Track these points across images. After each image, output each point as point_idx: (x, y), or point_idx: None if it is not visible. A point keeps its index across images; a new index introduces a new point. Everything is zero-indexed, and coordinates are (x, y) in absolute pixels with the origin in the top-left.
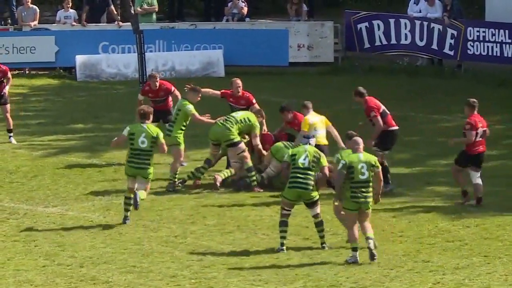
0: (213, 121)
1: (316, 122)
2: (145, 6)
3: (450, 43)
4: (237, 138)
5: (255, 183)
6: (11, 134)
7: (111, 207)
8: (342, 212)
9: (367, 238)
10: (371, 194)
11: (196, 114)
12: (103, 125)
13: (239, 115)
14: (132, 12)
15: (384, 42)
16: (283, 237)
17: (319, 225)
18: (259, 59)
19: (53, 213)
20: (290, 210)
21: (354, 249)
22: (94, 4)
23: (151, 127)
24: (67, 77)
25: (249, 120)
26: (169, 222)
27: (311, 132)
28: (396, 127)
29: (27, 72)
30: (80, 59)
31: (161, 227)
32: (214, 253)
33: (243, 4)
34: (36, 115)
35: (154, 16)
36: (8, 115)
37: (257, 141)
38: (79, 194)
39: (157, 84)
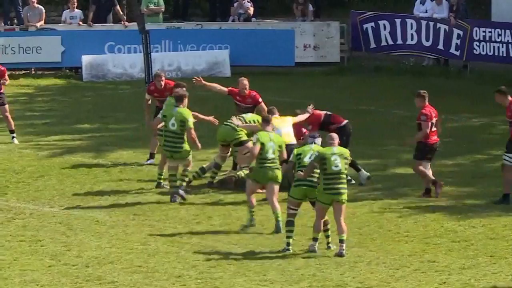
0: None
1: (278, 123)
2: (152, 7)
3: (456, 43)
4: (244, 137)
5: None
6: (14, 135)
7: (117, 207)
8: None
9: (340, 241)
10: (345, 186)
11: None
12: (109, 125)
13: (249, 116)
14: (138, 12)
15: (390, 42)
16: (289, 237)
17: (324, 224)
18: (265, 59)
19: (59, 213)
20: (296, 210)
21: (315, 239)
22: (100, 4)
23: (183, 111)
24: (73, 77)
25: (258, 122)
26: (175, 222)
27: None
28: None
29: (33, 72)
30: (86, 59)
31: (167, 227)
32: (220, 253)
33: (249, 4)
34: (42, 115)
35: (161, 16)
36: (8, 115)
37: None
38: (85, 194)
39: (163, 83)
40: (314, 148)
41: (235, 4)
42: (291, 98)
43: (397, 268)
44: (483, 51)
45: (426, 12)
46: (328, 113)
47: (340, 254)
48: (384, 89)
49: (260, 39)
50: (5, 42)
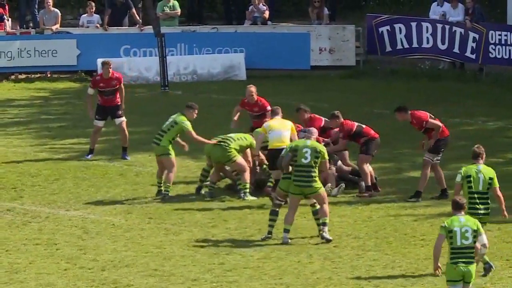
0: (211, 141)
1: (272, 125)
2: (167, 11)
3: (472, 47)
4: (237, 156)
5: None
6: None
7: (133, 211)
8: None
9: (323, 224)
10: (314, 179)
11: (193, 132)
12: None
13: (234, 135)
14: (154, 15)
15: (406, 45)
16: (271, 226)
17: (314, 214)
18: (281, 63)
19: (74, 217)
20: (282, 201)
21: (286, 231)
22: (116, 8)
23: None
24: (88, 80)
25: (246, 139)
26: (191, 225)
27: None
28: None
29: (48, 75)
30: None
31: (182, 230)
32: (235, 257)
33: (265, 7)
34: (58, 118)
35: (177, 20)
36: None
37: (257, 153)
38: (100, 197)
39: (110, 71)
40: (309, 144)
41: (250, 8)
42: (306, 101)
43: (413, 272)
44: (498, 54)
45: (443, 15)
46: (362, 125)
47: (322, 237)
48: (399, 92)
49: (276, 42)
50: (21, 46)
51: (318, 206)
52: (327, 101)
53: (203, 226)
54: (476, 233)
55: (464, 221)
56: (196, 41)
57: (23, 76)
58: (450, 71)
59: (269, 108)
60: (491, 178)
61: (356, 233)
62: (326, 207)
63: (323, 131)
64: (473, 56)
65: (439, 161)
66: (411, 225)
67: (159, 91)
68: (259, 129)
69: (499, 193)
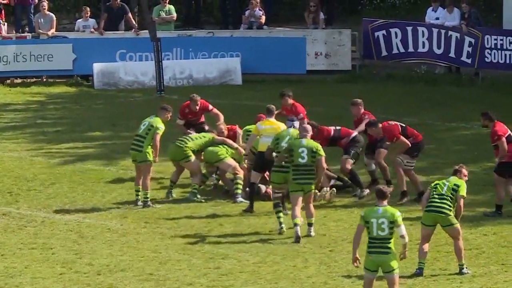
0: (156, 155)
1: (266, 129)
2: (163, 15)
3: (468, 51)
4: (192, 156)
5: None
6: None
7: (128, 215)
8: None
9: (308, 224)
10: (312, 177)
11: (159, 137)
12: (120, 133)
13: (194, 135)
14: (150, 20)
15: (402, 50)
16: (279, 217)
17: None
18: (277, 67)
19: (70, 221)
20: (280, 192)
21: (296, 225)
22: (112, 12)
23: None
24: (84, 85)
25: (205, 137)
26: (186, 230)
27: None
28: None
29: (44, 80)
30: (97, 67)
31: (178, 235)
32: (231, 261)
33: (261, 12)
34: (54, 122)
35: (172, 24)
36: None
37: (247, 152)
38: (96, 202)
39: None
40: (291, 132)
41: (246, 13)
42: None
43: (408, 276)
44: (494, 59)
45: (438, 19)
46: (338, 127)
47: (309, 235)
48: (395, 97)
49: (272, 47)
50: (17, 50)
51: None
52: (323, 106)
53: (198, 230)
54: (393, 225)
55: (381, 212)
56: (192, 46)
57: (19, 80)
58: (446, 75)
59: (210, 107)
60: (456, 185)
61: (352, 238)
62: (312, 207)
63: (334, 141)
64: (469, 61)
65: (413, 167)
66: (407, 230)
67: (155, 95)
68: (251, 127)
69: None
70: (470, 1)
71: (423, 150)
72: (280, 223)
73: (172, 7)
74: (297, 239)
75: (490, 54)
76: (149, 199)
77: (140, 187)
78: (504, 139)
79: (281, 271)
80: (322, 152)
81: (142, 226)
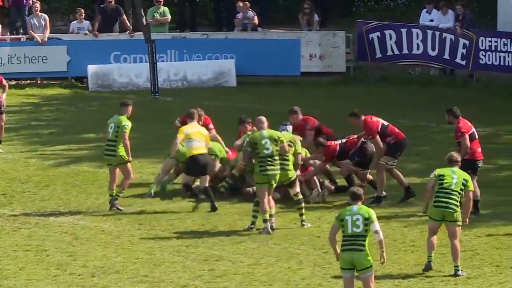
0: (129, 158)
1: (193, 132)
2: (158, 17)
3: (462, 53)
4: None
5: (222, 189)
6: None
7: (123, 217)
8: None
9: (270, 215)
10: (277, 167)
11: (127, 135)
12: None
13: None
14: (144, 22)
15: (396, 52)
16: (255, 216)
17: (297, 203)
18: (271, 69)
19: (64, 223)
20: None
21: (265, 221)
22: (106, 14)
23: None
24: (79, 86)
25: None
26: (181, 231)
27: (186, 142)
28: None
29: (38, 81)
30: (92, 68)
31: (172, 236)
32: (225, 263)
33: (253, 13)
34: (48, 124)
35: (167, 26)
36: (3, 124)
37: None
38: (90, 204)
39: None
40: (284, 135)
41: (238, 15)
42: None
43: (403, 277)
44: (489, 60)
45: (432, 21)
46: (385, 123)
47: (302, 225)
48: (390, 99)
49: (266, 48)
50: (11, 52)
51: (300, 196)
52: (317, 107)
53: (193, 232)
54: (367, 221)
55: (356, 210)
56: (187, 48)
57: (13, 82)
58: (440, 77)
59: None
60: (465, 180)
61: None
62: (272, 199)
63: (342, 155)
64: (463, 62)
65: (394, 166)
66: (401, 231)
67: (149, 97)
68: (182, 128)
69: (471, 196)
70: (464, 3)
71: (406, 150)
72: (253, 223)
73: (166, 9)
74: (270, 231)
75: (485, 56)
76: (117, 201)
77: (115, 186)
78: (467, 136)
79: (275, 273)
80: (283, 139)
81: (136, 228)
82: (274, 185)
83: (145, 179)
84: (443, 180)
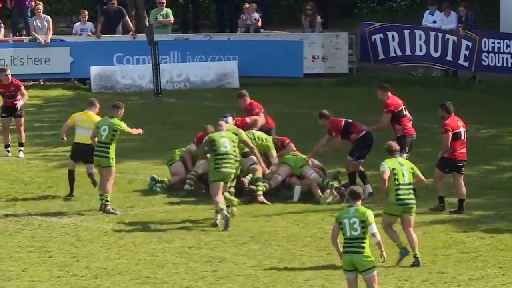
0: (140, 130)
1: (82, 120)
2: (161, 19)
3: (465, 54)
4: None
5: (260, 192)
6: (22, 148)
7: (126, 218)
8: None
9: (221, 210)
10: (233, 166)
11: (130, 130)
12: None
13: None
14: (147, 23)
15: (399, 53)
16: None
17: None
18: (274, 70)
19: (67, 224)
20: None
21: (217, 212)
22: (109, 16)
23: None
24: (81, 88)
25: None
26: (183, 233)
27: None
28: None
29: (41, 83)
30: (94, 70)
31: (175, 238)
32: (228, 264)
33: (258, 15)
34: (51, 126)
35: (170, 28)
36: (22, 128)
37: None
38: (93, 205)
39: (9, 78)
40: (224, 134)
41: (242, 16)
42: (299, 109)
43: (406, 279)
44: (491, 62)
45: (435, 23)
46: (349, 120)
47: (215, 224)
48: None
49: (269, 50)
50: (14, 53)
51: (233, 190)
52: (320, 109)
53: (196, 233)
54: (364, 224)
55: (352, 213)
56: (189, 49)
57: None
58: (443, 78)
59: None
60: (412, 168)
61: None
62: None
63: (344, 133)
64: (466, 64)
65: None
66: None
67: (152, 98)
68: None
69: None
70: (467, 4)
71: (372, 144)
72: (217, 214)
73: (169, 11)
74: (227, 220)
75: (487, 58)
76: (109, 203)
77: (101, 191)
78: (450, 134)
79: (278, 274)
80: (243, 136)
81: (139, 229)
82: (229, 183)
83: (148, 180)
84: (396, 174)
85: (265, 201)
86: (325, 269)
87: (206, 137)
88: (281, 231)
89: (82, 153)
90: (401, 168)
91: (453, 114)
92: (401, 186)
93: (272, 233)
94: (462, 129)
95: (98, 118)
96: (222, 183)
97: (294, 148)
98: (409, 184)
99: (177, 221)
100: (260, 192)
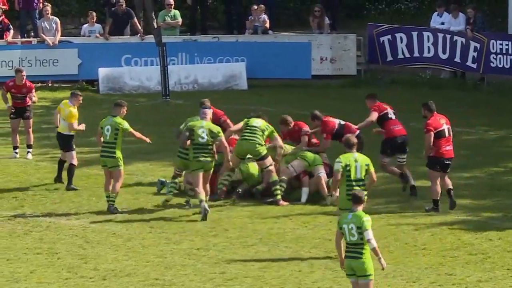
0: (147, 139)
1: (61, 108)
2: (169, 20)
3: (473, 56)
4: (265, 151)
5: (279, 197)
6: (30, 150)
7: (134, 220)
8: None
9: (201, 201)
10: (211, 155)
11: (133, 131)
12: (125, 138)
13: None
14: (155, 25)
15: (407, 55)
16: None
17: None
18: (282, 72)
19: (75, 226)
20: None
21: (201, 201)
22: (117, 17)
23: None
24: (90, 89)
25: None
26: (192, 234)
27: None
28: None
29: (49, 84)
30: (103, 72)
31: (183, 239)
32: (236, 266)
33: (266, 17)
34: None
35: (178, 29)
36: (30, 130)
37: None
38: (101, 206)
39: (23, 79)
40: (204, 125)
41: (250, 18)
42: (307, 110)
43: (414, 281)
44: (500, 63)
45: (443, 24)
46: (342, 123)
47: (204, 210)
48: (400, 102)
49: (277, 51)
50: (22, 55)
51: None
52: (328, 110)
53: (204, 235)
54: (360, 230)
55: (350, 218)
56: (197, 51)
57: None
58: (451, 80)
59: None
60: (367, 165)
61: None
62: (208, 187)
63: (337, 136)
64: (474, 66)
65: None
66: (412, 234)
67: (160, 100)
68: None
69: (375, 177)
70: (475, 6)
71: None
72: (187, 201)
73: (177, 12)
74: (205, 212)
75: (496, 59)
76: (114, 204)
77: (110, 191)
78: (432, 133)
79: (286, 276)
80: (221, 134)
81: (147, 231)
82: (209, 171)
83: (156, 182)
84: (350, 171)
85: (284, 203)
86: (333, 271)
87: (188, 124)
88: (290, 232)
89: (59, 141)
90: (355, 164)
91: (435, 112)
92: (353, 182)
93: (280, 234)
94: (445, 126)
95: (73, 111)
96: (202, 172)
97: (315, 141)
98: (361, 180)
99: (185, 223)
100: (279, 197)
